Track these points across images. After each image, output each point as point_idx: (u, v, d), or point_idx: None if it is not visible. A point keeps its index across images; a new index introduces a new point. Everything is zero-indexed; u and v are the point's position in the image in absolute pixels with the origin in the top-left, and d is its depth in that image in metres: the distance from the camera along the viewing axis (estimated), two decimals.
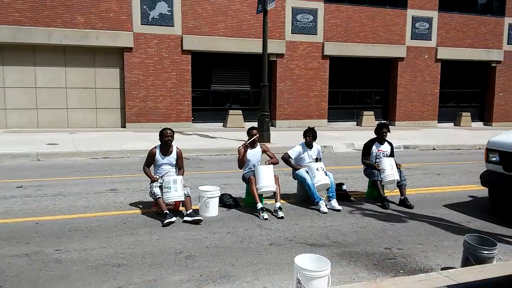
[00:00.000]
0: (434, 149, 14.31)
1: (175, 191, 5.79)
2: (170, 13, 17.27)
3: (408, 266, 4.52)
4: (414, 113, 21.75)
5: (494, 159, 6.45)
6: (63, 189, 7.43)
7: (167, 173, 6.16)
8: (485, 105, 23.83)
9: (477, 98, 23.84)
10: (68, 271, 4.19)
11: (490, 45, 22.78)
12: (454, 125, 22.86)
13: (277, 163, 6.86)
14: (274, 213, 6.19)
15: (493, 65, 23.05)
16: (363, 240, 5.27)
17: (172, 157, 6.29)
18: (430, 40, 21.65)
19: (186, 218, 5.73)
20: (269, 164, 6.64)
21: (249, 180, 6.39)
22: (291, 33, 19.16)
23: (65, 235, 5.17)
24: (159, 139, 6.28)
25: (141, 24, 16.94)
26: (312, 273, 3.44)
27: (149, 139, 12.38)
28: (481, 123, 23.78)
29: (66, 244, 4.86)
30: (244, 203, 6.70)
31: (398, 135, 15.93)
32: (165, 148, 6.27)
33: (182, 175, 6.30)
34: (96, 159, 10.87)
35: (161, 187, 5.93)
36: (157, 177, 6.15)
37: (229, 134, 15.28)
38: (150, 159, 6.28)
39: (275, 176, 6.38)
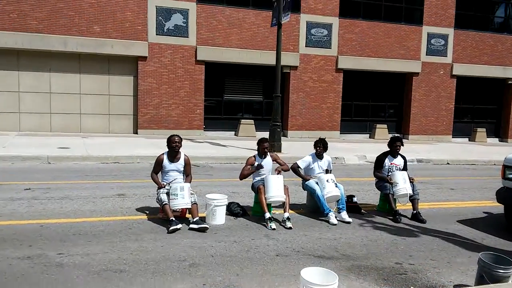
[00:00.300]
0: (448, 163, 14.06)
1: (182, 198, 5.70)
2: (185, 25, 17.40)
3: (419, 282, 4.35)
4: (428, 128, 21.51)
5: (511, 176, 6.27)
6: (70, 193, 7.39)
7: (174, 179, 6.08)
8: (501, 122, 23.50)
9: (493, 114, 23.52)
10: (69, 275, 4.10)
11: (507, 63, 22.54)
12: (469, 141, 22.55)
13: (288, 170, 6.76)
14: (282, 223, 6.06)
15: (509, 82, 22.77)
16: (373, 254, 5.11)
17: (180, 164, 6.22)
18: (446, 56, 21.49)
19: (192, 226, 5.63)
20: (279, 170, 6.54)
21: (258, 189, 6.28)
22: (305, 46, 19.16)
23: (69, 238, 5.10)
24: (167, 145, 6.22)
25: (156, 35, 17.10)
26: (319, 287, 3.31)
27: (160, 146, 12.34)
28: (497, 139, 23.43)
29: (69, 248, 4.78)
30: (252, 212, 6.58)
31: (411, 148, 15.71)
32: (173, 154, 6.20)
33: (190, 182, 6.22)
34: (106, 163, 10.86)
35: (168, 194, 5.85)
36: (164, 183, 6.08)
37: (240, 143, 15.21)
38: (158, 166, 6.22)
39: (284, 186, 6.28)
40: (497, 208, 7.33)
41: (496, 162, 14.07)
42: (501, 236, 6.11)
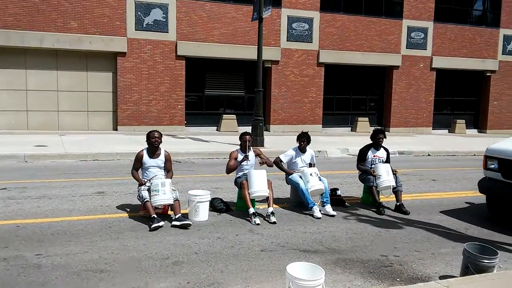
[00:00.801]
0: (429, 155, 14.19)
1: (164, 194, 5.58)
2: (165, 20, 17.14)
3: (405, 274, 4.33)
4: (409, 120, 21.71)
5: (493, 166, 6.33)
6: (48, 192, 7.19)
7: (155, 176, 5.95)
8: (480, 113, 23.87)
9: (472, 106, 23.87)
10: (48, 277, 3.96)
11: (485, 55, 22.87)
12: (449, 132, 22.85)
13: (271, 165, 6.68)
14: (266, 218, 6.00)
15: (487, 74, 23.13)
16: (358, 246, 5.08)
17: (160, 160, 6.09)
18: (426, 49, 21.67)
19: (174, 223, 5.52)
20: (263, 160, 6.48)
21: (241, 184, 6.20)
22: (287, 41, 19.08)
23: (47, 239, 4.94)
24: (146, 141, 6.09)
25: (135, 30, 16.79)
26: (305, 282, 3.24)
27: (141, 142, 12.12)
28: (476, 130, 23.80)
29: (47, 249, 4.63)
30: (236, 207, 6.50)
31: (392, 141, 15.80)
32: (153, 150, 6.07)
33: (171, 178, 6.10)
34: (85, 161, 10.62)
35: (149, 191, 5.72)
36: (145, 180, 5.95)
37: (222, 138, 15.09)
38: (138, 162, 6.08)
39: (268, 180, 6.20)
40: (479, 198, 7.40)
41: (476, 153, 14.26)
42: (484, 226, 6.16)
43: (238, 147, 6.67)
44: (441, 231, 5.83)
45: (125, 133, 16.01)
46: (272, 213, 5.98)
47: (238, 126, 18.27)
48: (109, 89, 17.00)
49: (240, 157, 6.46)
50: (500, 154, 6.24)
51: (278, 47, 18.88)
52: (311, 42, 19.47)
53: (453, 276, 4.23)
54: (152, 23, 16.99)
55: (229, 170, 6.49)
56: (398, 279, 4.20)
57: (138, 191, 5.87)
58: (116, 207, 6.41)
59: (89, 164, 10.33)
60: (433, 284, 3.76)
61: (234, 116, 18.59)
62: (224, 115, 18.53)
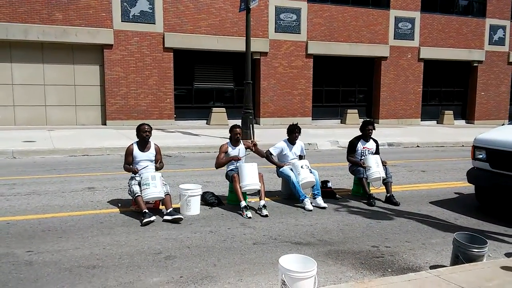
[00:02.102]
0: (418, 146, 14.31)
1: (155, 187, 5.56)
2: (151, 11, 16.98)
3: (396, 265, 4.38)
4: (398, 111, 21.84)
5: (481, 156, 6.39)
6: (38, 188, 7.12)
7: (145, 167, 5.91)
8: (467, 104, 24.09)
9: (459, 97, 24.08)
10: (39, 274, 3.93)
11: (472, 46, 23.04)
12: (437, 123, 23.04)
13: (263, 155, 6.70)
14: (258, 211, 6.01)
15: (474, 64, 23.32)
16: (349, 238, 5.12)
17: (151, 153, 6.07)
18: (413, 40, 21.77)
19: (166, 217, 5.51)
20: (254, 143, 6.48)
21: (232, 178, 6.20)
22: (275, 32, 19.03)
23: (38, 235, 4.90)
24: (136, 134, 6.05)
25: (122, 21, 16.62)
26: (297, 274, 3.26)
27: (130, 137, 12.08)
28: (463, 121, 24.03)
29: (38, 245, 4.59)
30: (228, 201, 6.50)
31: (382, 132, 15.90)
32: (143, 144, 6.03)
33: (162, 168, 6.15)
34: (75, 156, 10.54)
35: (140, 185, 5.69)
36: (137, 168, 5.88)
37: (212, 132, 15.06)
38: (129, 156, 6.02)
39: (259, 173, 6.21)
40: (468, 188, 7.49)
41: (464, 144, 14.42)
42: (473, 216, 6.24)
43: (228, 140, 6.65)
44: (431, 221, 5.90)
45: (114, 128, 15.89)
46: (264, 206, 5.99)
47: (228, 119, 18.24)
48: (96, 83, 16.84)
49: (231, 149, 6.45)
50: (487, 144, 6.30)
51: (266, 38, 18.82)
52: (299, 33, 19.45)
53: (443, 266, 4.29)
54: (139, 14, 16.82)
55: (218, 165, 6.47)
56: (389, 270, 4.24)
57: (129, 186, 5.83)
58: (107, 202, 6.37)
59: (79, 159, 10.25)
60: (423, 273, 3.81)
61: (224, 109, 18.54)
62: (214, 108, 18.47)
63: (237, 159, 6.36)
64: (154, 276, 3.94)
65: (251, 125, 13.29)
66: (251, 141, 6.69)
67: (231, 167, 6.49)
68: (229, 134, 6.58)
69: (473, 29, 23.02)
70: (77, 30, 15.94)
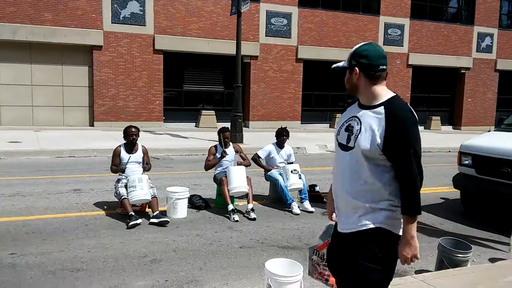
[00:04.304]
0: None
1: (141, 189, 5.52)
2: (142, 13, 16.91)
3: None
4: None
5: (467, 162, 6.46)
6: (22, 189, 7.03)
7: (132, 171, 5.87)
8: (454, 110, 24.33)
9: (447, 103, 24.32)
10: (22, 277, 3.88)
11: (459, 52, 23.30)
12: (424, 129, 23.21)
13: (249, 165, 6.67)
14: (246, 215, 6.00)
15: (462, 71, 23.58)
16: None
17: (139, 155, 6.03)
18: (402, 46, 21.96)
19: (152, 220, 5.47)
20: (240, 163, 6.46)
21: (220, 181, 6.18)
22: (265, 36, 19.06)
23: (22, 238, 4.83)
24: (124, 137, 6.02)
25: (112, 23, 16.51)
26: (283, 278, 3.26)
27: (118, 139, 11.88)
28: (451, 127, 24.26)
29: (22, 248, 4.53)
30: (215, 204, 6.49)
31: None
32: (131, 146, 6.00)
33: (149, 169, 6.13)
34: (61, 158, 10.43)
35: (126, 187, 5.65)
36: (124, 167, 5.84)
37: (201, 134, 15.02)
38: (116, 157, 5.98)
39: (247, 177, 6.20)
40: (454, 193, 7.55)
41: (451, 149, 14.55)
42: (458, 221, 6.30)
43: (217, 142, 6.62)
44: (417, 226, 5.92)
45: (102, 129, 15.76)
46: (252, 209, 5.98)
47: (217, 122, 18.17)
48: (85, 84, 16.69)
49: (219, 151, 6.43)
50: (473, 150, 6.37)
51: (257, 42, 18.85)
52: (290, 38, 19.51)
53: (428, 271, 4.31)
54: (129, 16, 16.74)
55: (207, 167, 6.46)
56: None
57: (115, 188, 5.79)
58: (93, 204, 6.31)
59: (65, 160, 10.15)
60: (409, 278, 3.83)
61: (213, 112, 18.49)
62: (203, 111, 18.42)
63: (224, 154, 6.31)
64: (139, 280, 3.91)
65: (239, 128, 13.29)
66: (238, 160, 6.59)
67: (219, 169, 6.47)
68: (218, 136, 6.54)
69: (461, 37, 23.31)
70: (67, 31, 15.81)
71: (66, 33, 15.79)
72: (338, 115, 20.94)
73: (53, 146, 11.08)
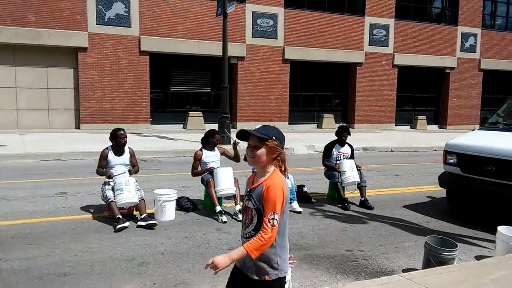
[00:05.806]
0: (392, 151, 14.54)
1: (128, 192, 5.48)
2: (127, 14, 16.81)
3: (369, 268, 4.43)
4: (372, 116, 22.14)
5: (452, 161, 6.53)
6: (7, 193, 6.93)
7: (120, 174, 5.83)
8: (440, 109, 24.60)
9: (432, 102, 24.58)
10: (8, 282, 3.83)
11: (444, 52, 23.57)
12: (411, 128, 23.44)
13: (239, 161, 6.57)
14: (234, 216, 6.00)
15: (447, 71, 23.85)
16: (324, 242, 5.15)
17: (126, 157, 6.00)
18: (387, 46, 22.14)
19: (140, 223, 5.44)
20: (235, 143, 6.34)
21: (207, 182, 6.17)
22: (252, 37, 19.07)
23: (7, 242, 4.77)
24: (111, 140, 5.95)
25: (97, 24, 16.38)
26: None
27: (105, 141, 11.78)
28: (436, 126, 24.53)
29: (7, 253, 4.47)
30: (203, 206, 6.47)
31: (357, 137, 16.06)
32: (119, 149, 5.95)
33: (137, 172, 6.07)
34: (47, 161, 10.31)
35: (113, 190, 5.60)
36: (112, 172, 5.79)
37: (189, 136, 14.95)
38: (103, 160, 5.92)
39: (234, 178, 6.19)
40: (440, 192, 7.63)
41: (437, 148, 14.69)
42: (444, 219, 6.37)
43: (201, 145, 6.55)
44: (404, 225, 5.99)
45: (88, 132, 15.61)
46: (240, 210, 5.97)
47: (205, 123, 18.13)
48: (70, 86, 16.52)
49: (206, 155, 6.38)
50: (458, 149, 6.45)
51: (243, 43, 18.85)
52: (276, 39, 19.55)
53: (415, 269, 4.35)
54: (114, 17, 16.62)
55: (195, 174, 6.43)
56: (363, 273, 4.29)
57: (102, 191, 5.74)
58: (80, 208, 6.25)
59: (51, 164, 10.03)
60: (396, 277, 3.86)
61: (200, 114, 18.45)
62: (190, 113, 18.36)
63: (211, 170, 6.27)
64: (127, 283, 3.88)
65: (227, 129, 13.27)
66: (234, 141, 6.49)
67: (206, 172, 6.44)
68: (206, 139, 6.48)
69: (445, 37, 23.58)
70: (51, 33, 15.63)
71: (51, 35, 15.62)
72: (325, 115, 21.08)
73: (38, 149, 10.95)
